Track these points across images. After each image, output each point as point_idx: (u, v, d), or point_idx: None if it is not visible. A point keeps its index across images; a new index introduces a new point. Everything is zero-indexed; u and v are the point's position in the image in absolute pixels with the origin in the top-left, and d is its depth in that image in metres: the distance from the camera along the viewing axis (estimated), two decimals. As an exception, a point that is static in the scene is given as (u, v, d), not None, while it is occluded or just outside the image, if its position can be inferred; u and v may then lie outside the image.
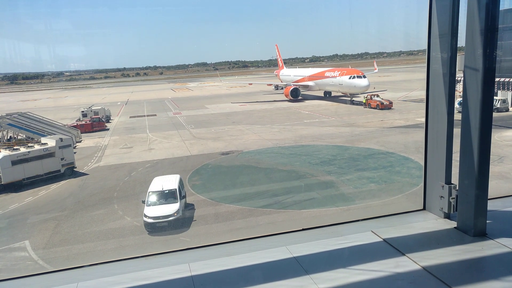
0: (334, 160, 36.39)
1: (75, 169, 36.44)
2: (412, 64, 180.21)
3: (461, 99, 6.13)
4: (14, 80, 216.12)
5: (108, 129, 59.21)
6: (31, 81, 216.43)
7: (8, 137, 47.62)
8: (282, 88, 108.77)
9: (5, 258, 20.80)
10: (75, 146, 45.45)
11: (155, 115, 72.13)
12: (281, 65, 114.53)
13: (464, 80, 5.85)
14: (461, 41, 6.13)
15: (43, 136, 42.18)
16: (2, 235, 23.82)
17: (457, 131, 6.26)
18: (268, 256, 5.60)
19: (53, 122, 53.21)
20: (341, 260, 5.48)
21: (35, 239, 22.63)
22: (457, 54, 6.30)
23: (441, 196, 6.43)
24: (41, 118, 52.90)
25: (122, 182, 32.33)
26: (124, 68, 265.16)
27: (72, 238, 22.85)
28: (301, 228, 6.51)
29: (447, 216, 6.49)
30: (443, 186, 6.38)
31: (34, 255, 20.84)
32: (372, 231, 6.23)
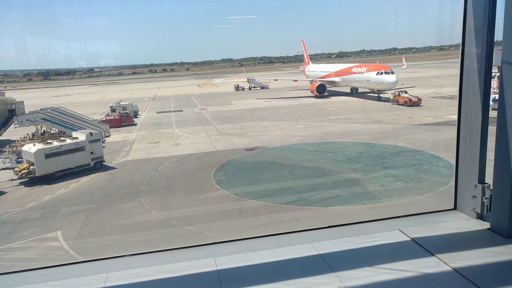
0: (360, 157, 35.86)
1: (104, 163, 37.47)
2: (443, 59, 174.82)
3: (496, 95, 5.89)
4: (47, 76, 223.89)
5: (135, 124, 60.49)
6: (63, 77, 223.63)
7: (42, 131, 49.44)
8: (243, 89, 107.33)
9: (38, 247, 21.66)
10: (104, 140, 46.69)
11: (182, 110, 73.11)
12: (307, 60, 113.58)
13: (501, 76, 5.61)
14: (498, 35, 5.88)
15: (74, 130, 43.55)
16: (36, 225, 24.80)
17: (491, 129, 6.03)
18: (294, 253, 5.57)
19: (84, 117, 54.83)
20: (368, 259, 5.38)
21: (66, 230, 23.45)
22: (494, 48, 6.05)
23: (474, 196, 6.21)
24: (72, 113, 54.61)
25: (149, 176, 32.99)
26: (152, 64, 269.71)
27: (101, 230, 23.53)
28: (326, 226, 6.44)
29: (480, 216, 6.26)
30: (476, 186, 6.16)
31: (65, 245, 21.61)
32: (400, 230, 6.08)
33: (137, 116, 68.67)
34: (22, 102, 57.17)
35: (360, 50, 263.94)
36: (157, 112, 72.81)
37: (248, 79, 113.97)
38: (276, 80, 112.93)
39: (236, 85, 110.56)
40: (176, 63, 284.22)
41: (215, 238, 6.32)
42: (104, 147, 40.97)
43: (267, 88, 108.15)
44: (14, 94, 71.57)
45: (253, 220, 23.40)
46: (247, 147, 40.89)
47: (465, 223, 6.23)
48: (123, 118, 60.69)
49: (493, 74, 6.74)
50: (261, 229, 22.55)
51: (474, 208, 6.26)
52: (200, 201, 26.99)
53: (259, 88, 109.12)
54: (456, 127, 6.69)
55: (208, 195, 27.76)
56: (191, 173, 33.28)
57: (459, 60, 6.46)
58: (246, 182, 31.16)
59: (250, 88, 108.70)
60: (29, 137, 47.02)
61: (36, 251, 21.26)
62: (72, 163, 35.55)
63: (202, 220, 23.82)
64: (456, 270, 4.96)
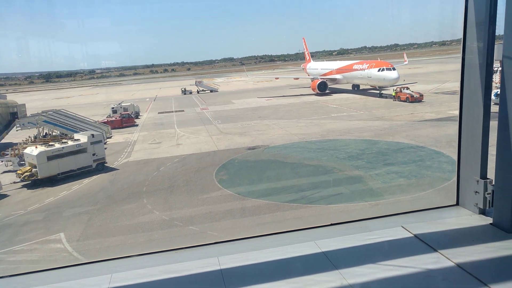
0: (362, 154, 35.81)
1: (106, 164, 37.52)
2: (445, 55, 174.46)
3: (497, 90, 5.85)
4: (49, 78, 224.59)
5: (137, 125, 60.56)
6: (65, 79, 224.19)
7: (44, 134, 49.56)
8: (190, 93, 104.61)
9: (42, 249, 21.71)
10: (106, 142, 46.76)
11: (183, 110, 73.16)
12: (308, 58, 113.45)
13: (502, 71, 5.58)
14: (499, 29, 5.84)
15: (76, 132, 43.62)
16: (39, 227, 24.85)
17: (493, 124, 5.99)
18: (297, 251, 5.56)
19: (85, 118, 54.93)
20: (371, 256, 5.37)
21: (69, 232, 23.50)
22: (495, 43, 6.01)
23: (476, 191, 6.19)
24: (74, 114, 54.72)
25: (151, 177, 33.02)
26: (153, 64, 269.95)
27: (104, 231, 23.56)
28: (329, 223, 6.43)
29: (483, 212, 6.24)
30: (478, 181, 6.13)
31: (68, 247, 21.65)
32: (402, 227, 6.06)
33: (139, 117, 68.75)
34: (24, 105, 57.42)
35: (361, 47, 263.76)
36: (159, 113, 72.88)
37: (196, 82, 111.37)
38: (277, 78, 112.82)
39: (183, 89, 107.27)
40: (177, 63, 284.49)
41: (218, 238, 6.32)
42: (106, 148, 41.01)
43: (217, 91, 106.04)
44: (15, 97, 71.81)
45: (256, 219, 23.39)
46: (248, 146, 40.88)
47: (468, 218, 6.21)
48: (125, 119, 60.77)
49: (495, 69, 6.69)
50: (264, 227, 22.55)
51: (477, 204, 6.23)
52: (203, 200, 27.00)
53: (208, 91, 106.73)
54: (457, 122, 6.66)
55: (210, 195, 27.77)
56: (193, 173, 33.30)
57: (461, 55, 6.43)
58: (248, 181, 31.16)
59: (198, 92, 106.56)
60: (31, 140, 47.17)
61: (40, 253, 21.30)
62: (74, 165, 35.61)
63: (205, 220, 23.82)
64: (459, 265, 4.94)
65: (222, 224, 23.22)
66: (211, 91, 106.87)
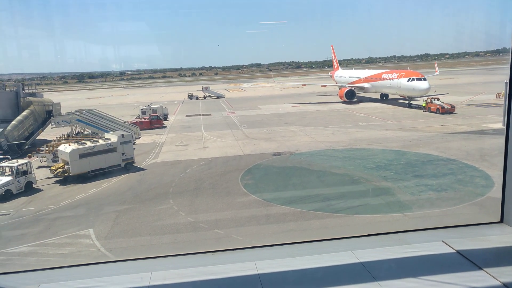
0: (391, 165, 35.10)
1: (134, 164, 38.29)
2: (478, 66, 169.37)
3: None
4: (82, 78, 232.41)
5: (165, 127, 61.61)
6: (97, 79, 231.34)
7: (76, 132, 51.11)
8: (197, 98, 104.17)
9: (72, 244, 22.31)
10: (135, 142, 47.74)
11: (210, 114, 73.92)
12: (336, 66, 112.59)
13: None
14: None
15: (106, 132, 44.76)
16: (69, 222, 25.58)
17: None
18: (334, 260, 5.51)
19: (115, 118, 56.31)
20: (412, 269, 5.25)
21: (98, 228, 24.07)
22: None
23: None
24: (105, 114, 56.19)
25: (177, 178, 33.45)
26: (181, 68, 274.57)
27: (130, 229, 23.99)
28: (366, 234, 6.35)
29: None
30: None
31: (97, 243, 22.16)
32: (443, 242, 5.90)
33: (167, 119, 69.93)
34: (59, 103, 59.53)
35: (390, 56, 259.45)
36: (186, 116, 73.91)
37: (202, 88, 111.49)
38: (304, 85, 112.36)
39: (189, 94, 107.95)
40: (205, 67, 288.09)
41: (243, 242, 6.33)
42: (134, 148, 41.88)
43: (223, 97, 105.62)
44: (51, 96, 74.37)
45: (281, 226, 23.28)
46: (274, 152, 40.85)
47: None
48: (153, 120, 61.95)
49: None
50: (288, 234, 22.41)
51: None
52: (228, 204, 27.12)
53: (215, 97, 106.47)
54: (503, 136, 6.45)
55: (236, 199, 27.85)
56: (219, 176, 33.53)
57: (509, 65, 6.24)
58: (273, 187, 31.07)
59: (204, 97, 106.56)
60: (64, 137, 48.72)
61: (70, 247, 21.89)
62: (104, 164, 36.51)
63: (230, 224, 23.90)
64: (506, 285, 4.76)
65: (247, 229, 23.23)
66: (218, 97, 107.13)
